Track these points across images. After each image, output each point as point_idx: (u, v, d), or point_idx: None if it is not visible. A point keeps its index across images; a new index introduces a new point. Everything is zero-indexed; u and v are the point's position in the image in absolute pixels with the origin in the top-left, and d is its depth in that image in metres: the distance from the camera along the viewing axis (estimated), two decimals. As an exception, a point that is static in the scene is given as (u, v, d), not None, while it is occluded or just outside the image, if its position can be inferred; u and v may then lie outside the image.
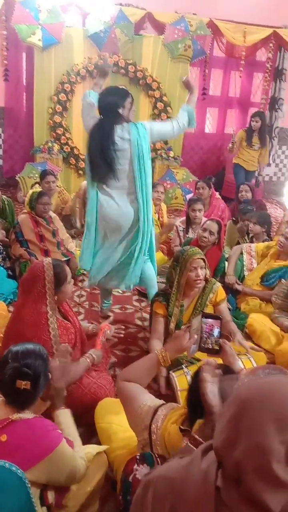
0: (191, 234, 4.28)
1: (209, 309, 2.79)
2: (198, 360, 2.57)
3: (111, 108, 2.90)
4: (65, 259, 3.94)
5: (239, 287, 3.64)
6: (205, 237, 3.49)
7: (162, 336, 2.74)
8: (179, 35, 6.36)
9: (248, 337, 3.20)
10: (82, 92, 6.26)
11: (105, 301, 3.51)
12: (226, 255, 3.89)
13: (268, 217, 4.36)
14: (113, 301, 3.71)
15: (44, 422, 1.56)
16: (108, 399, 2.25)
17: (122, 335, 2.63)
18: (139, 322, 3.54)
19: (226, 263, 3.83)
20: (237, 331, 2.76)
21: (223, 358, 1.87)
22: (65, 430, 1.67)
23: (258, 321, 3.18)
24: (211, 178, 5.43)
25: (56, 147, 6.29)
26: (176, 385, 2.39)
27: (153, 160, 6.82)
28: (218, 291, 2.82)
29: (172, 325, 2.70)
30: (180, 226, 4.44)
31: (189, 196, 5.78)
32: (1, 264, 3.88)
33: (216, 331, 1.81)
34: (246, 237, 4.32)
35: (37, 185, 4.88)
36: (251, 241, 4.18)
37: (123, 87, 6.35)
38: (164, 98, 6.57)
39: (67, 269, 2.30)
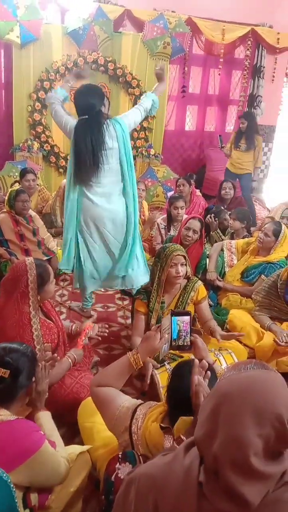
0: (172, 232, 4.31)
1: (190, 308, 2.81)
2: (181, 356, 2.59)
3: (95, 107, 2.89)
4: (46, 258, 3.92)
5: (220, 284, 3.67)
6: (189, 236, 3.51)
7: (143, 333, 2.74)
8: (158, 32, 6.35)
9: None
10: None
11: (88, 300, 3.49)
12: (207, 252, 3.92)
13: (247, 212, 4.41)
14: (95, 300, 3.71)
15: (26, 423, 1.55)
16: (91, 398, 2.25)
17: (106, 334, 2.62)
18: (121, 321, 3.54)
19: (208, 259, 3.86)
20: (218, 329, 2.78)
21: (195, 353, 1.88)
22: (47, 432, 1.67)
23: (239, 317, 3.21)
24: (192, 175, 5.47)
25: (36, 145, 6.22)
26: (158, 382, 2.40)
27: (134, 157, 6.81)
28: (200, 290, 2.84)
29: (153, 321, 2.71)
30: (161, 223, 4.45)
31: (170, 194, 5.80)
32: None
33: (186, 327, 1.81)
34: (218, 231, 4.42)
35: (17, 184, 4.83)
36: (232, 238, 4.23)
37: (103, 84, 6.36)
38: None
39: (50, 268, 2.30)
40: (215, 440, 0.93)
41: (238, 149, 5.88)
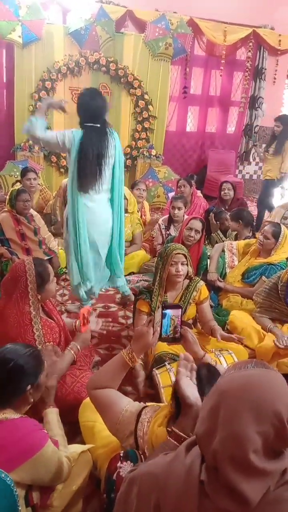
0: (173, 232, 4.31)
1: (192, 308, 2.82)
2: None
3: (102, 113, 2.91)
4: (47, 257, 3.93)
5: (220, 284, 3.68)
6: (192, 236, 3.51)
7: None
8: (160, 33, 6.37)
9: (229, 334, 3.23)
10: (63, 89, 6.26)
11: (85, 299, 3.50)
12: (208, 253, 3.93)
13: (242, 212, 4.34)
14: (96, 300, 3.71)
15: (29, 422, 1.56)
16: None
17: (110, 328, 2.63)
18: (122, 320, 3.54)
19: (209, 260, 3.86)
20: (218, 329, 2.78)
21: (185, 346, 1.87)
22: (51, 430, 1.68)
23: (239, 318, 3.22)
24: (192, 176, 5.48)
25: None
26: (159, 382, 2.40)
27: (135, 158, 6.84)
28: (202, 290, 2.85)
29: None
30: (162, 224, 4.46)
31: (171, 194, 5.80)
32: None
33: (178, 321, 1.79)
34: (219, 232, 4.44)
35: (18, 183, 4.84)
36: (235, 239, 4.23)
37: (105, 85, 6.38)
38: (146, 96, 6.57)
39: (50, 267, 2.29)
40: (215, 437, 0.94)
41: (267, 153, 5.65)
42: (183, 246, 2.79)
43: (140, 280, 4.07)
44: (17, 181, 5.11)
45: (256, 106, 7.63)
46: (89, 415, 2.05)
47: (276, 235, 3.51)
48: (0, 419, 1.48)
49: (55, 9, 6.12)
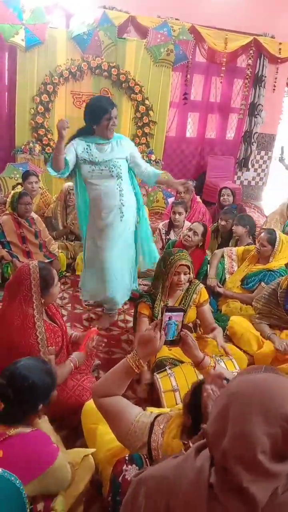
0: (173, 237, 4.34)
1: (192, 310, 2.84)
2: (182, 362, 2.60)
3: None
4: (47, 260, 3.93)
5: (220, 290, 3.70)
6: (189, 236, 3.55)
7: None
8: (161, 39, 6.41)
9: (229, 339, 3.26)
10: (65, 93, 6.29)
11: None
12: (209, 258, 3.95)
13: (248, 217, 4.37)
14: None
15: (40, 436, 1.55)
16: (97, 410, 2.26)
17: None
18: (122, 324, 3.56)
19: (208, 266, 3.89)
20: (220, 331, 2.80)
21: (183, 349, 1.86)
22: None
23: (239, 323, 3.24)
24: (192, 182, 5.49)
25: (38, 148, 6.25)
26: (160, 387, 2.41)
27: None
28: (201, 292, 2.87)
29: None
30: (162, 229, 4.49)
31: (170, 200, 5.83)
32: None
33: (176, 323, 1.77)
34: (218, 238, 4.47)
35: (19, 186, 4.85)
36: (236, 245, 4.24)
37: (106, 89, 6.41)
38: (146, 102, 6.60)
39: (54, 271, 2.29)
40: (224, 437, 0.95)
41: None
42: (187, 255, 2.79)
43: (140, 285, 4.08)
44: (18, 183, 5.12)
45: (256, 113, 7.68)
46: (91, 418, 2.06)
47: (272, 241, 3.54)
48: (11, 434, 1.48)
49: (58, 14, 6.14)
